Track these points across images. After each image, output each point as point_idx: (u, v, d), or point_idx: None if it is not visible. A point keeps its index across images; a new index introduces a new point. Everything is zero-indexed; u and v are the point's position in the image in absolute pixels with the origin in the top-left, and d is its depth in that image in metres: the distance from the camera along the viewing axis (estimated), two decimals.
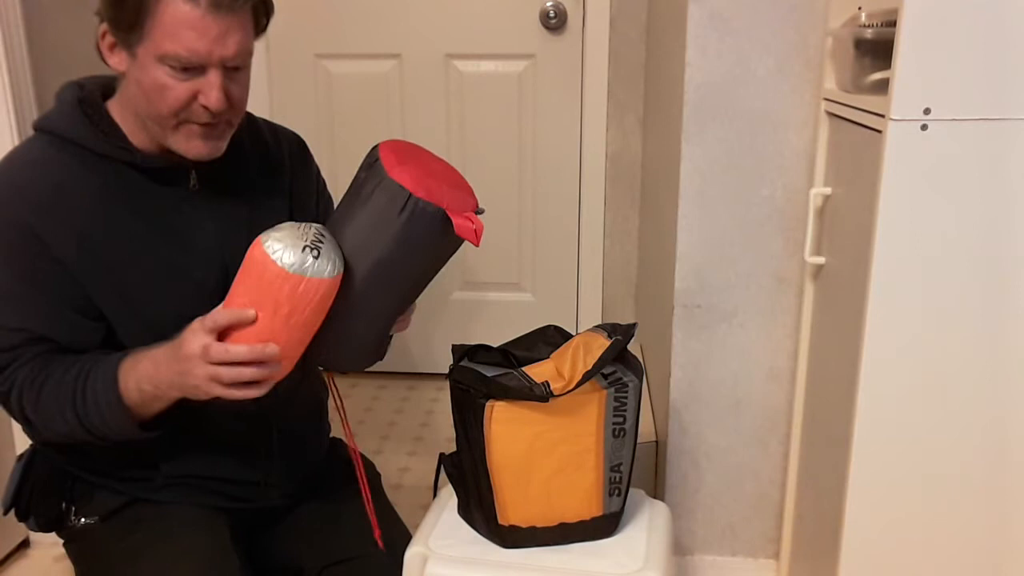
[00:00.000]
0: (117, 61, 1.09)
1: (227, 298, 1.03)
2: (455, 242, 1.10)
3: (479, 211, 1.11)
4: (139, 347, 1.08)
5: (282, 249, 0.99)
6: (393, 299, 1.12)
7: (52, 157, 1.10)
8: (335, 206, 1.39)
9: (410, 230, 1.05)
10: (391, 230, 1.05)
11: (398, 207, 1.04)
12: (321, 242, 1.01)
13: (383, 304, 1.11)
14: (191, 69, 1.04)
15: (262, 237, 1.01)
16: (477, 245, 1.06)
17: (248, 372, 1.00)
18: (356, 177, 1.11)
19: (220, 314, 1.00)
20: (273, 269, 0.99)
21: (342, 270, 1.04)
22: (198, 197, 1.17)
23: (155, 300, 1.13)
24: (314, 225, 1.04)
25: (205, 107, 1.06)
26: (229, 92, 1.08)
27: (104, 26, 1.07)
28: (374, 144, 1.12)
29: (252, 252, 1.01)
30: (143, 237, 1.13)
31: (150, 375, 1.05)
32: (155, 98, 1.06)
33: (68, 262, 1.09)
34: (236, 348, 0.99)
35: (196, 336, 1.00)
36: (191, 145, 1.10)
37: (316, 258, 1.00)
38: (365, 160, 1.10)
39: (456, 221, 1.05)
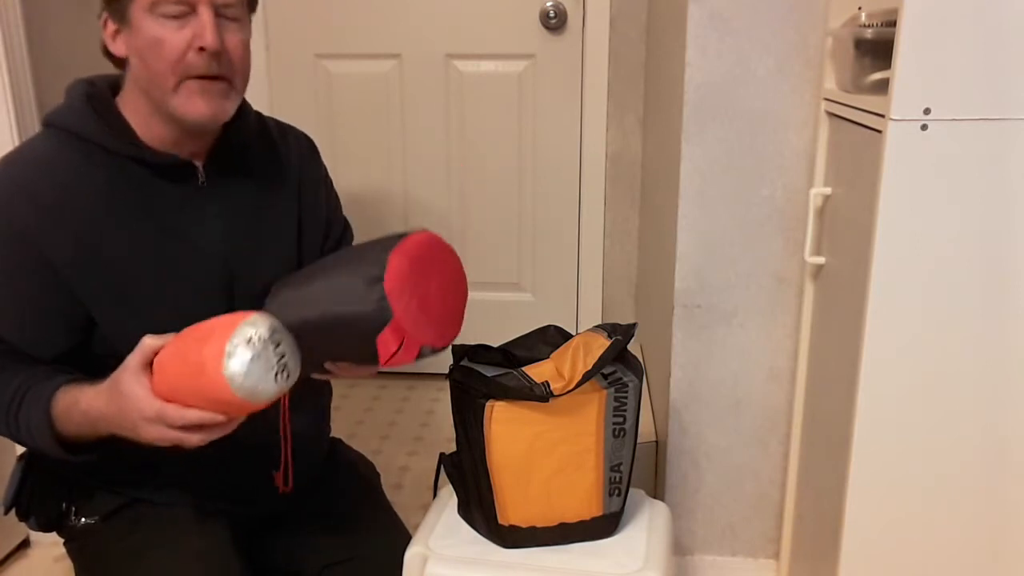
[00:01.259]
0: (118, 47, 1.09)
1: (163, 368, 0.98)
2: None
3: (431, 350, 1.07)
4: (86, 377, 1.06)
5: (242, 378, 0.93)
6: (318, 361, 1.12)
7: (59, 154, 1.10)
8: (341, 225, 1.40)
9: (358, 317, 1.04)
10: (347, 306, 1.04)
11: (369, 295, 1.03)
12: (282, 373, 0.96)
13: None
14: (182, 15, 1.05)
15: (226, 355, 0.92)
16: (380, 365, 1.03)
17: (198, 437, 0.98)
18: (375, 241, 1.11)
19: (175, 412, 0.96)
20: (229, 393, 0.94)
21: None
22: (205, 195, 1.17)
23: (155, 299, 1.13)
24: (278, 345, 0.97)
25: (202, 49, 1.06)
26: (225, 40, 1.08)
27: (104, 14, 1.08)
28: (403, 231, 1.11)
29: (209, 367, 0.93)
30: (147, 234, 1.13)
31: (88, 418, 1.03)
32: (152, 57, 1.06)
33: (62, 265, 1.08)
34: (191, 413, 0.96)
35: (149, 400, 0.96)
36: (192, 105, 1.09)
37: (269, 384, 0.95)
38: (383, 242, 1.09)
39: (385, 332, 1.03)
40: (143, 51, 1.07)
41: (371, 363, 1.06)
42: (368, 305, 1.03)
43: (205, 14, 1.06)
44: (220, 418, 0.97)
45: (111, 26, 1.09)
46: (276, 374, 0.95)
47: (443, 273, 1.11)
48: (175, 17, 1.05)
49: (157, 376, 0.98)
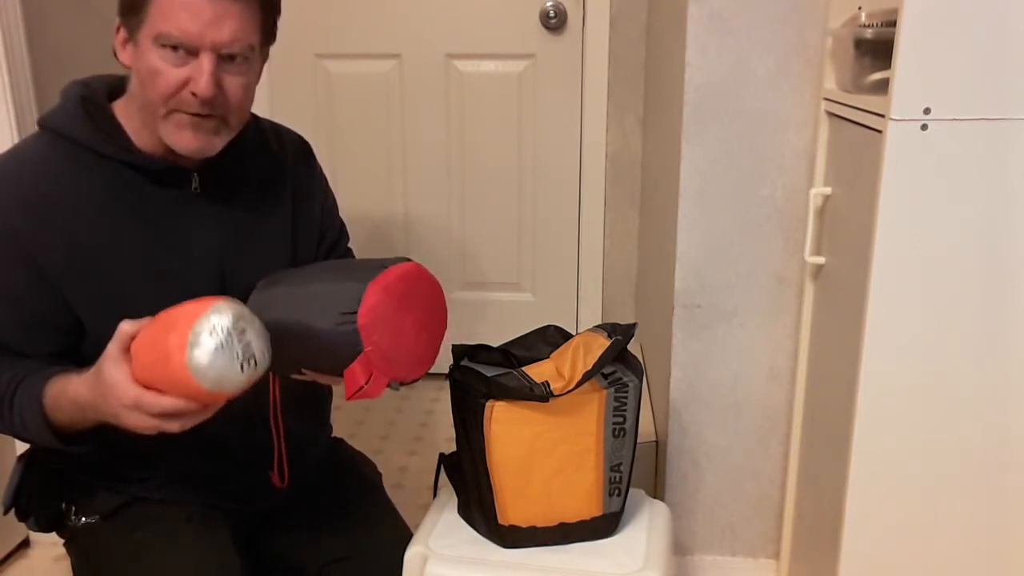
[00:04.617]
0: (126, 56, 1.09)
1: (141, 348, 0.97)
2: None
3: (396, 384, 1.08)
4: (77, 367, 1.06)
5: (206, 369, 0.92)
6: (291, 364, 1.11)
7: (51, 157, 1.10)
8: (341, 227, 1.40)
9: (331, 336, 1.04)
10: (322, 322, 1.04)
11: (345, 319, 1.03)
12: (248, 363, 0.95)
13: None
14: (184, 53, 1.04)
15: (189, 345, 0.92)
16: (347, 399, 1.03)
17: (176, 424, 0.98)
18: (362, 262, 1.11)
19: (150, 400, 0.96)
20: (194, 384, 0.94)
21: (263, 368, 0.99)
22: (200, 200, 1.17)
23: (145, 304, 1.11)
24: (245, 336, 0.95)
25: (194, 94, 1.05)
26: (223, 83, 1.07)
27: (119, 19, 1.08)
28: (402, 259, 1.10)
29: (173, 354, 0.92)
30: (139, 240, 1.12)
31: (77, 406, 1.03)
32: (149, 84, 1.06)
33: (51, 269, 1.08)
34: (165, 401, 0.95)
35: (127, 387, 0.96)
36: (180, 137, 1.08)
37: (234, 376, 0.94)
38: (375, 263, 1.09)
39: (353, 366, 1.03)
40: (142, 75, 1.07)
41: (340, 378, 1.07)
42: (340, 336, 1.03)
43: (205, 60, 1.04)
44: (194, 406, 0.96)
45: (123, 34, 1.08)
46: (242, 364, 0.93)
47: (422, 308, 1.10)
48: (176, 52, 1.04)
49: (134, 362, 0.97)
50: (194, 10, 1.02)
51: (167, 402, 0.94)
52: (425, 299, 1.11)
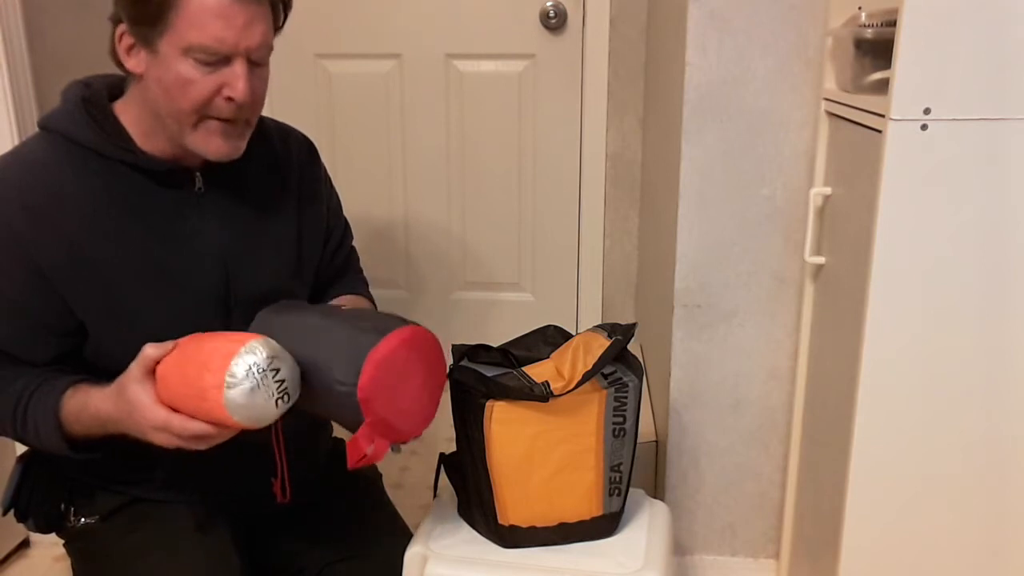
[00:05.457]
0: (135, 63, 1.08)
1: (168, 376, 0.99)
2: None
3: (397, 447, 1.09)
4: (90, 377, 1.08)
5: (244, 408, 0.95)
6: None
7: (53, 158, 1.10)
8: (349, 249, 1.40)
9: (336, 399, 1.04)
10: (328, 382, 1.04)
11: (347, 385, 1.03)
12: (281, 400, 0.98)
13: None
14: (216, 61, 1.04)
15: (226, 386, 0.94)
16: (349, 467, 1.04)
17: (202, 444, 1.01)
18: (364, 316, 1.11)
19: (180, 423, 0.98)
20: (231, 421, 0.97)
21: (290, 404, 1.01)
22: (203, 200, 1.16)
23: (148, 306, 1.12)
24: (278, 376, 0.98)
25: (230, 99, 1.06)
26: (252, 87, 1.08)
27: (121, 27, 1.06)
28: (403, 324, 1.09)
29: (210, 392, 0.95)
30: (141, 241, 1.12)
31: (99, 420, 1.05)
32: (177, 94, 1.05)
33: (52, 272, 1.08)
34: (194, 425, 0.98)
35: (155, 410, 0.98)
36: (211, 143, 1.09)
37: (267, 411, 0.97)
38: (384, 319, 1.09)
39: (357, 436, 1.03)
40: (168, 85, 1.06)
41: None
42: (340, 397, 1.03)
43: (239, 66, 1.05)
44: (224, 431, 1.00)
45: (127, 40, 1.07)
46: (276, 400, 0.97)
47: (423, 372, 1.09)
48: (207, 64, 1.04)
49: (160, 387, 0.99)
50: (227, 17, 1.02)
51: (196, 427, 0.98)
52: (426, 362, 1.10)
